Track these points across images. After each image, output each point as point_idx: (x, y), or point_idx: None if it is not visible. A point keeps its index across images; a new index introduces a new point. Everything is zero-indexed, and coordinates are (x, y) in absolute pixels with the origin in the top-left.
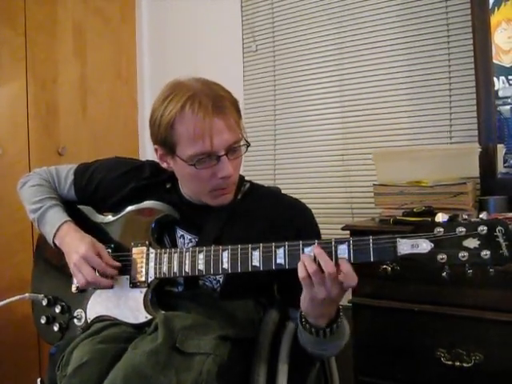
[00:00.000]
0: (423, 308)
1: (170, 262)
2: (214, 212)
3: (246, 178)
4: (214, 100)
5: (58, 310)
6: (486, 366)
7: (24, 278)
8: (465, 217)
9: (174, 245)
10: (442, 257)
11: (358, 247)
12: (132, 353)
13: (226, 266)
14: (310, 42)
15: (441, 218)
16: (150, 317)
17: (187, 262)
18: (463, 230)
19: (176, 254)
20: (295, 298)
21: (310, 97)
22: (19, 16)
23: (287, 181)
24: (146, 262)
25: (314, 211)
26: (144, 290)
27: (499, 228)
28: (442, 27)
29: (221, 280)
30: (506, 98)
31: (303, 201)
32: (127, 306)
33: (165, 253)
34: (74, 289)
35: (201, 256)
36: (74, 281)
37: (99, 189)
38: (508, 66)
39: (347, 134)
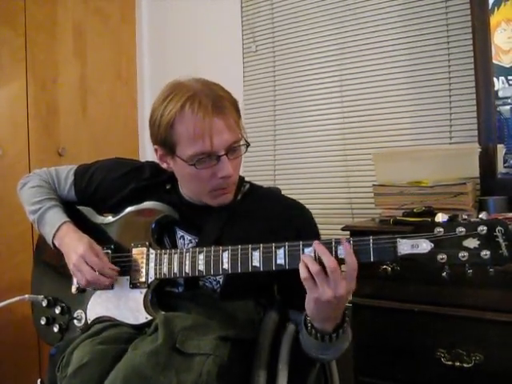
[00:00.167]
0: (423, 308)
1: (170, 262)
2: (214, 213)
3: (246, 179)
4: (214, 100)
5: (57, 310)
6: (486, 366)
7: (24, 279)
8: (465, 217)
9: (173, 245)
10: (442, 257)
11: (359, 247)
12: (132, 353)
13: (226, 266)
14: (310, 42)
15: (441, 218)
16: (150, 317)
17: (187, 262)
18: (463, 230)
19: (176, 255)
20: (295, 299)
21: (310, 97)
22: (19, 16)
23: (287, 181)
24: (146, 262)
25: (313, 212)
26: (144, 290)
27: (499, 228)
28: (442, 27)
29: (221, 281)
30: (506, 98)
31: (303, 201)
32: (127, 306)
33: (165, 253)
34: (73, 290)
35: (201, 256)
36: (74, 282)
37: (99, 190)
38: (508, 66)
39: (347, 134)
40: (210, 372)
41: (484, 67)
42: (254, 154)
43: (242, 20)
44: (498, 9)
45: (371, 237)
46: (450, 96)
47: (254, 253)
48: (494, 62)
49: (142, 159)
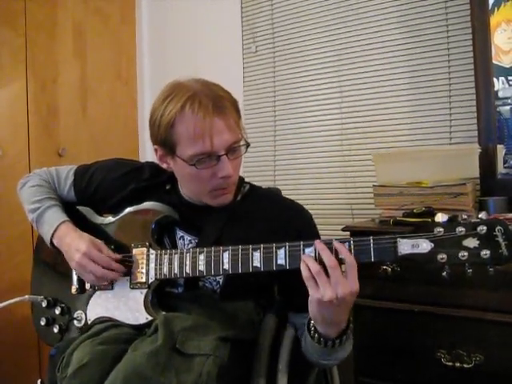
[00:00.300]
0: (423, 309)
1: (170, 262)
2: (214, 213)
3: (246, 179)
4: (214, 100)
5: (57, 311)
6: (486, 366)
7: (24, 279)
8: (464, 217)
9: (173, 246)
10: (442, 256)
11: (359, 247)
12: (132, 354)
13: (226, 266)
14: (309, 43)
15: (440, 218)
16: (150, 318)
17: (188, 262)
18: (463, 229)
19: (176, 255)
20: (296, 299)
21: (310, 98)
22: (19, 17)
23: (287, 182)
24: (147, 262)
25: (313, 212)
26: (144, 291)
27: (498, 228)
28: (442, 28)
29: (221, 281)
30: (506, 98)
31: (303, 202)
32: (127, 307)
33: (165, 254)
34: (73, 290)
35: (201, 257)
36: (74, 282)
37: (99, 190)
38: (508, 66)
39: (347, 135)
40: (209, 372)
41: (484, 68)
42: (254, 154)
43: (242, 20)
44: (497, 9)
45: (371, 237)
46: (449, 96)
47: (254, 253)
48: (494, 62)
49: (142, 159)
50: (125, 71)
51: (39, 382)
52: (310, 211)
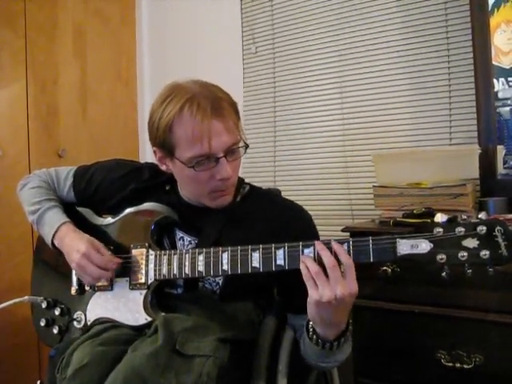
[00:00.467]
0: (423, 309)
1: (169, 263)
2: (214, 214)
3: (246, 180)
4: (213, 102)
5: (57, 312)
6: (486, 367)
7: (24, 280)
8: (464, 217)
9: (173, 246)
10: (441, 257)
11: (358, 248)
12: (132, 355)
13: (225, 267)
14: (310, 43)
15: (440, 218)
16: (149, 319)
17: (187, 263)
18: (462, 230)
19: (176, 256)
20: (295, 300)
21: (310, 99)
22: (19, 18)
23: (287, 182)
24: (146, 263)
25: (313, 213)
26: (144, 291)
27: (498, 228)
28: (442, 29)
29: (220, 282)
30: (506, 99)
31: (303, 202)
32: (127, 307)
33: (164, 254)
34: (73, 291)
35: (200, 257)
36: (74, 283)
37: (98, 190)
38: (507, 67)
39: (347, 135)
40: (209, 373)
41: (484, 68)
42: (254, 155)
43: (242, 21)
44: (497, 10)
45: (370, 237)
46: (449, 97)
47: (253, 254)
48: (494, 63)
49: (142, 160)
50: (125, 72)
51: (39, 382)
52: (310, 212)
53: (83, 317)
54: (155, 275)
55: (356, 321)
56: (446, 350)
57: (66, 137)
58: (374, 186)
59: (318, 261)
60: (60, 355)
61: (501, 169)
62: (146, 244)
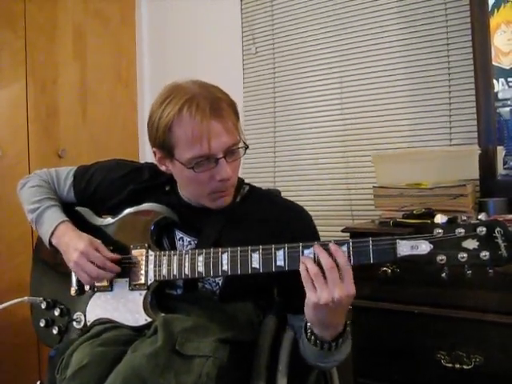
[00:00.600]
0: (423, 310)
1: (169, 264)
2: (213, 214)
3: (246, 181)
4: (212, 103)
5: (57, 313)
6: (486, 368)
7: (24, 280)
8: (464, 218)
9: (173, 247)
10: (441, 258)
11: (358, 249)
12: (132, 356)
13: (225, 268)
14: (310, 44)
15: (440, 219)
16: (149, 319)
17: (187, 264)
18: (462, 231)
19: (175, 257)
20: (295, 301)
21: (310, 99)
22: (19, 19)
23: (287, 183)
24: (146, 264)
25: (313, 213)
26: (143, 292)
27: (498, 229)
28: (442, 29)
29: (220, 282)
30: (506, 100)
31: (303, 203)
32: (127, 308)
33: (164, 255)
34: (73, 292)
35: (200, 258)
36: (73, 283)
37: (98, 190)
38: (507, 68)
39: (347, 136)
40: (209, 374)
41: (484, 69)
42: (254, 156)
43: (242, 22)
44: (497, 10)
45: (370, 238)
46: (449, 98)
47: (253, 254)
48: (494, 63)
49: (142, 161)
50: (125, 73)
51: (39, 383)
52: (310, 212)
53: (83, 317)
54: (155, 276)
55: (356, 321)
56: (446, 350)
57: (66, 137)
58: (373, 187)
59: (318, 262)
60: (60, 356)
61: (501, 169)
62: (146, 244)
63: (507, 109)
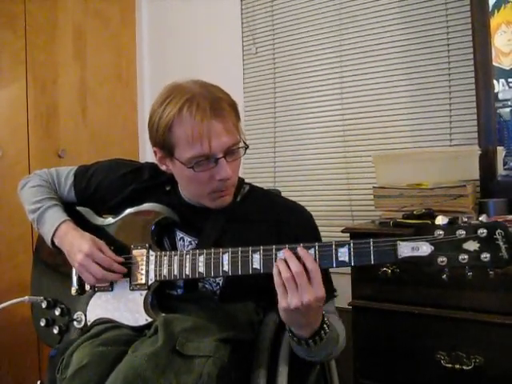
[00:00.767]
0: (423, 311)
1: (170, 264)
2: (214, 214)
3: (246, 181)
4: (212, 102)
5: (57, 312)
6: (486, 368)
7: (24, 280)
8: (465, 219)
9: (173, 247)
10: (442, 259)
11: (359, 250)
12: (132, 356)
13: (226, 268)
14: (310, 44)
15: (441, 220)
16: (150, 319)
17: (187, 264)
18: (463, 232)
19: (176, 257)
20: None
21: (310, 99)
22: (19, 19)
23: (287, 183)
24: (146, 264)
25: (313, 214)
26: (144, 292)
27: (499, 231)
28: (442, 29)
29: (220, 282)
30: (506, 100)
31: (303, 203)
32: (127, 308)
33: (165, 255)
34: (73, 291)
35: (201, 258)
36: (74, 283)
37: (99, 190)
38: (508, 68)
39: (347, 136)
40: (209, 374)
41: (484, 69)
42: (254, 155)
43: (242, 22)
44: (498, 11)
45: (371, 239)
46: (450, 98)
47: (254, 255)
48: (494, 64)
49: (142, 161)
50: (125, 73)
51: (39, 383)
52: (310, 212)
53: (83, 317)
54: (155, 276)
55: (356, 321)
56: (446, 351)
57: (66, 137)
58: (374, 187)
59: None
60: (60, 355)
61: (501, 170)
62: (147, 244)
63: (507, 109)
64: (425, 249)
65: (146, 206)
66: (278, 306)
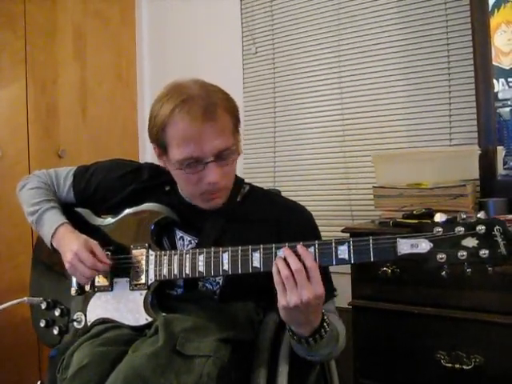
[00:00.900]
0: (423, 310)
1: (170, 264)
2: (214, 214)
3: (246, 181)
4: (207, 105)
5: (57, 313)
6: (486, 368)
7: (24, 281)
8: (463, 217)
9: (173, 247)
10: (441, 256)
11: (359, 247)
12: (132, 355)
13: (226, 267)
14: (309, 44)
15: (439, 217)
16: (150, 319)
17: (187, 263)
18: (462, 229)
19: (176, 256)
20: None
21: (310, 99)
22: (19, 19)
23: (287, 183)
24: (146, 264)
25: (313, 214)
26: (144, 292)
27: (497, 227)
28: (442, 29)
29: (220, 282)
30: (506, 100)
31: (303, 203)
32: (127, 308)
33: (164, 255)
34: (73, 292)
35: (201, 258)
36: (73, 284)
37: (98, 190)
38: (508, 68)
39: (347, 136)
40: (210, 374)
41: (484, 69)
42: (254, 155)
43: (242, 22)
44: (497, 11)
45: (371, 237)
46: (449, 98)
47: (254, 254)
48: (494, 63)
49: (142, 161)
50: (125, 73)
51: (39, 383)
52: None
53: (83, 317)
54: (155, 275)
55: (356, 321)
56: (446, 350)
57: (66, 137)
58: (373, 187)
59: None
60: (60, 356)
61: (501, 169)
62: (146, 244)
63: (507, 109)
64: (424, 246)
65: (145, 205)
66: (277, 304)
